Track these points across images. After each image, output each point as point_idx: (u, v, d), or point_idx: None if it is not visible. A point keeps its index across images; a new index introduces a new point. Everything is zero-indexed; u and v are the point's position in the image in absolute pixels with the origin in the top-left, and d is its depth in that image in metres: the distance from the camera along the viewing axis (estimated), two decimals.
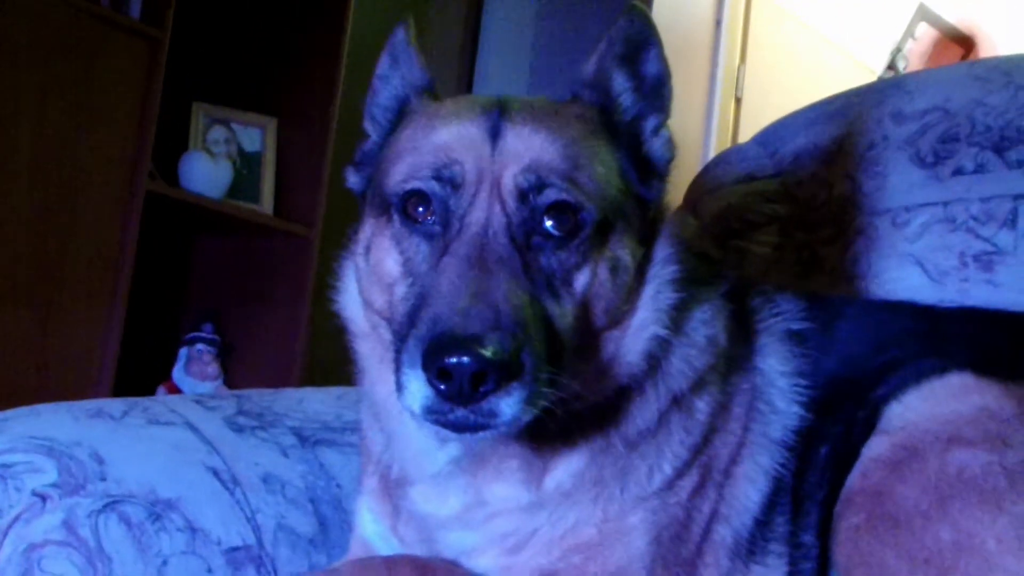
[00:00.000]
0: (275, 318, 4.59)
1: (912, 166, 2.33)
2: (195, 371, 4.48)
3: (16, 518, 1.73)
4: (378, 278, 1.59)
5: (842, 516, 1.66)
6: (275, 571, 1.82)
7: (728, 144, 6.02)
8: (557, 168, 1.54)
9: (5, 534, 1.72)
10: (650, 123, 1.70)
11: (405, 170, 1.58)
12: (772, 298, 1.90)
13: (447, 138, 1.58)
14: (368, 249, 1.63)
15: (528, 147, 1.55)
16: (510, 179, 1.53)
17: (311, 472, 1.92)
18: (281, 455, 1.96)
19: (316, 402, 2.17)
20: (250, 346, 4.68)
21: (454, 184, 1.54)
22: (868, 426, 1.74)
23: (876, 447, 1.70)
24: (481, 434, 1.39)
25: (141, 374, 4.44)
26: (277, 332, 4.58)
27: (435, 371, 1.34)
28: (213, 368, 4.51)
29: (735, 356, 1.78)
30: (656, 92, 1.69)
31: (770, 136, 2.56)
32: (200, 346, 4.52)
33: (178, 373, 4.52)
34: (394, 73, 1.74)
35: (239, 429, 1.98)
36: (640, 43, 1.66)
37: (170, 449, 1.87)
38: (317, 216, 4.70)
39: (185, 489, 1.81)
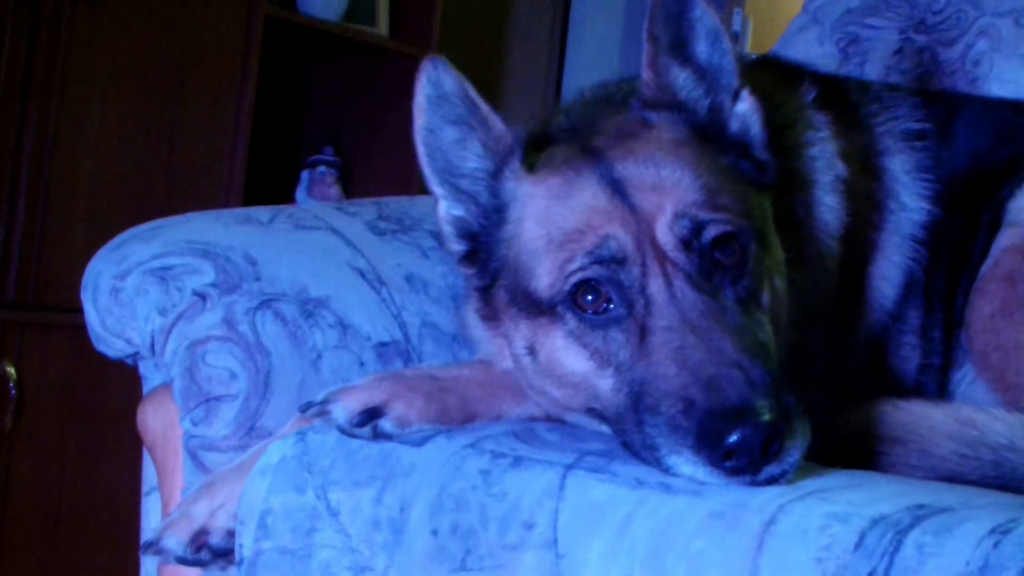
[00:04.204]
0: (393, 139, 4.65)
1: None
2: (317, 193, 4.57)
3: (179, 316, 1.83)
4: (559, 377, 1.53)
5: (975, 306, 1.69)
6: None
7: None
8: (698, 202, 1.50)
9: (169, 331, 1.83)
10: (727, 101, 1.63)
11: (556, 266, 1.51)
12: (886, 99, 1.91)
13: (582, 217, 1.51)
14: (533, 349, 1.56)
15: (662, 194, 1.50)
16: (666, 234, 1.47)
17: (451, 272, 1.98)
18: (422, 256, 2.03)
19: None
20: (368, 168, 4.76)
21: (618, 261, 1.47)
22: (994, 222, 1.75)
23: (1006, 238, 1.72)
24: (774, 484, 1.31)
25: (265, 198, 4.55)
26: (395, 153, 4.63)
27: (720, 454, 1.28)
28: (335, 190, 4.60)
29: (862, 164, 1.80)
30: (718, 65, 1.62)
31: None
32: (322, 168, 4.60)
33: (301, 195, 4.62)
34: (470, 137, 1.62)
35: (380, 232, 2.05)
36: (680, 15, 1.59)
37: (317, 251, 1.95)
38: (432, 37, 4.72)
39: (334, 288, 1.90)
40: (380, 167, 4.76)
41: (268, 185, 4.54)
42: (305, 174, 4.64)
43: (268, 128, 4.54)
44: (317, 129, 4.86)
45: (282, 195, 4.66)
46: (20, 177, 3.67)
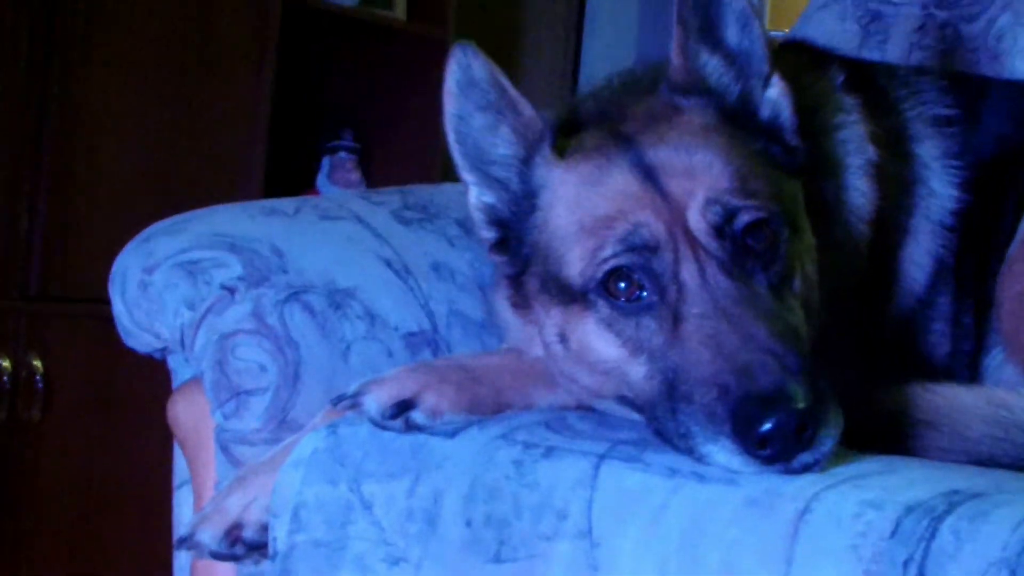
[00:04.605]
0: (412, 122, 4.64)
1: None
2: (338, 178, 4.57)
3: (208, 310, 1.84)
4: (590, 364, 1.53)
5: (1004, 286, 1.69)
6: (450, 353, 1.91)
7: None
8: (729, 188, 1.49)
9: (198, 325, 1.84)
10: (757, 86, 1.62)
11: (587, 253, 1.50)
12: (913, 84, 1.90)
13: (614, 204, 1.51)
14: (564, 336, 1.56)
15: (693, 181, 1.49)
16: (698, 220, 1.47)
17: (478, 259, 1.99)
18: (448, 245, 2.03)
19: None
20: (388, 152, 4.75)
21: (650, 248, 1.47)
22: (1021, 204, 1.75)
23: None
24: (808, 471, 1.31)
25: (286, 184, 4.55)
26: (414, 136, 4.63)
27: (755, 442, 1.28)
28: (355, 175, 4.60)
29: (892, 148, 1.80)
30: (748, 51, 1.60)
31: None
32: (342, 154, 4.59)
33: (322, 181, 4.62)
34: (500, 123, 1.61)
35: (406, 221, 2.05)
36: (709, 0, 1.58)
37: (343, 242, 1.96)
38: (449, 20, 4.71)
39: (361, 279, 1.90)
40: (400, 151, 4.75)
41: (289, 171, 4.55)
42: (326, 160, 4.64)
43: (287, 114, 4.54)
44: (336, 114, 4.86)
45: (303, 181, 4.67)
46: (42, 169, 3.69)
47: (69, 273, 3.78)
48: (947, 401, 1.47)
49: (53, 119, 3.67)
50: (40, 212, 3.68)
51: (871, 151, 1.77)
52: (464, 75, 1.59)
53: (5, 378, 3.67)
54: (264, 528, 1.63)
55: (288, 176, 4.58)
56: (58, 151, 3.69)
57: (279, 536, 1.60)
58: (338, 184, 4.60)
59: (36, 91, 3.61)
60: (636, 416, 1.51)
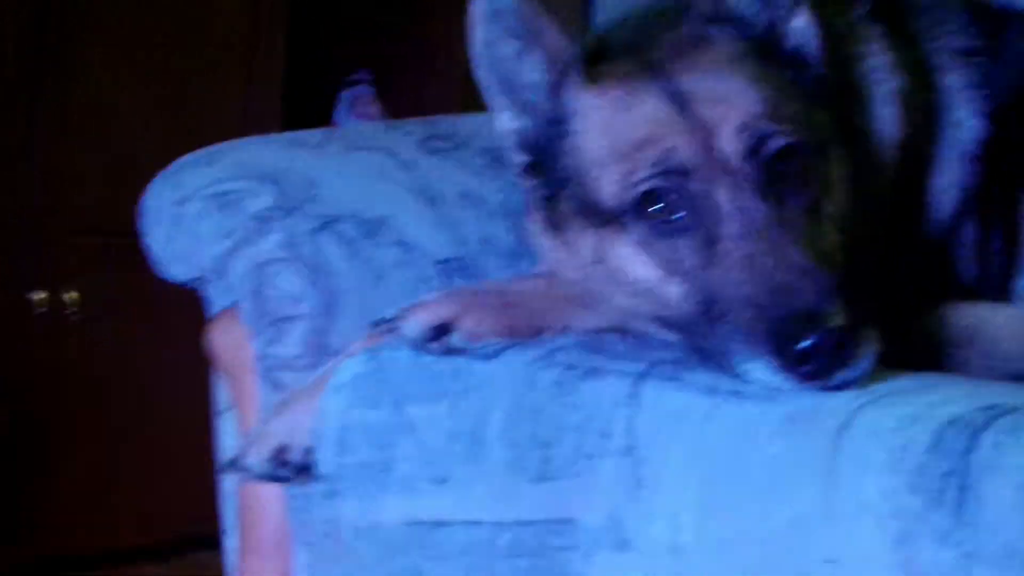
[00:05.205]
0: (429, 51, 4.62)
1: None
2: (358, 113, 4.56)
3: (242, 240, 1.86)
4: (626, 285, 1.56)
5: None
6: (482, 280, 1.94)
7: None
8: (760, 114, 1.51)
9: (233, 255, 1.86)
10: (784, 16, 1.63)
11: (621, 177, 1.53)
12: (936, 14, 1.91)
13: (646, 129, 1.53)
14: (600, 259, 1.58)
15: (725, 106, 1.51)
16: (730, 145, 1.49)
17: (506, 187, 2.01)
18: (475, 174, 2.05)
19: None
20: (405, 84, 4.74)
21: (683, 172, 1.49)
22: None
23: None
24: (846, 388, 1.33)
25: (304, 120, 4.56)
26: (432, 65, 4.61)
27: (794, 359, 1.31)
28: (374, 108, 4.60)
29: (918, 77, 1.81)
30: None
31: None
32: (361, 87, 4.59)
33: (341, 116, 4.61)
34: (529, 49, 1.62)
35: (433, 151, 2.07)
36: None
37: (373, 171, 1.98)
38: None
39: (392, 207, 1.93)
40: (416, 83, 4.74)
41: (306, 107, 4.55)
42: (344, 95, 4.63)
43: (305, 51, 4.53)
44: (353, 48, 4.84)
45: (320, 118, 4.66)
46: (72, 101, 3.71)
47: (101, 207, 3.82)
48: (979, 320, 1.50)
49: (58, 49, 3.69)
50: (69, 150, 3.72)
51: (896, 80, 1.79)
52: (490, 2, 1.61)
53: (41, 311, 3.71)
54: (309, 451, 1.66)
55: (306, 112, 4.59)
56: (84, 85, 3.72)
57: (325, 459, 1.63)
58: (358, 118, 4.59)
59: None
60: (672, 337, 1.54)
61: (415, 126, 2.16)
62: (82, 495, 3.91)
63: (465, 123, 2.19)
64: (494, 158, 2.07)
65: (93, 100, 3.85)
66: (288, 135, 2.14)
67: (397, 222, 1.91)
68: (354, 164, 2.00)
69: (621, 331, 1.62)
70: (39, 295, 3.70)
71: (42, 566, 3.85)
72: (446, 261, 1.91)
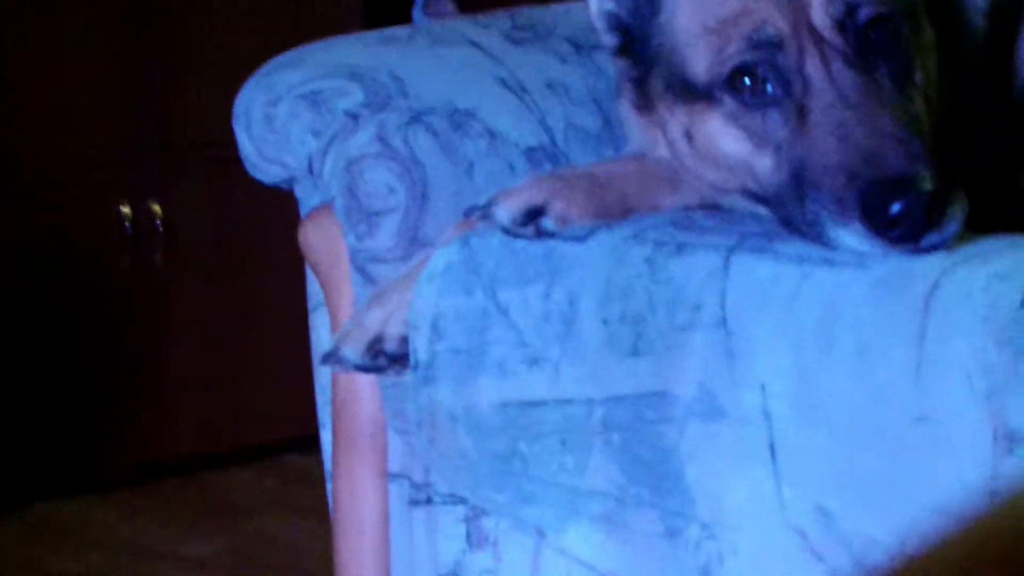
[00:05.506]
0: None
1: None
2: (432, 10, 4.56)
3: (334, 137, 1.89)
4: (716, 159, 1.56)
5: None
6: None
7: None
8: None
9: (325, 153, 1.90)
10: None
11: (712, 51, 1.53)
12: None
13: (737, 4, 1.52)
14: (690, 134, 1.59)
15: None
16: (821, 16, 1.48)
17: (590, 74, 2.01)
18: (560, 62, 2.05)
19: (579, 11, 2.25)
20: None
21: (773, 45, 1.49)
22: None
23: None
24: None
25: (386, 20, 4.57)
26: None
27: (884, 223, 1.31)
28: (449, 6, 4.59)
29: None
30: None
31: None
32: None
33: (417, 15, 4.62)
34: None
35: (517, 42, 2.08)
36: None
37: (459, 64, 2.00)
38: None
39: (479, 99, 1.94)
40: None
41: (385, 8, 4.57)
42: None
43: None
44: None
45: (399, 18, 4.67)
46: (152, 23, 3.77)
47: (180, 121, 3.88)
48: None
49: None
50: (154, 67, 3.78)
51: None
52: None
53: (127, 224, 3.81)
54: (404, 341, 1.70)
55: (385, 11, 4.60)
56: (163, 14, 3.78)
57: (420, 347, 1.67)
58: (432, 15, 4.59)
59: None
60: (761, 210, 1.55)
61: (498, 18, 2.16)
62: (176, 402, 4.02)
63: (547, 13, 2.19)
64: (577, 46, 2.07)
65: (178, 13, 3.91)
66: (375, 33, 2.16)
67: (485, 112, 1.93)
68: (441, 58, 2.01)
69: (711, 208, 1.64)
70: (125, 208, 3.79)
71: (143, 472, 3.98)
72: (533, 149, 1.93)
